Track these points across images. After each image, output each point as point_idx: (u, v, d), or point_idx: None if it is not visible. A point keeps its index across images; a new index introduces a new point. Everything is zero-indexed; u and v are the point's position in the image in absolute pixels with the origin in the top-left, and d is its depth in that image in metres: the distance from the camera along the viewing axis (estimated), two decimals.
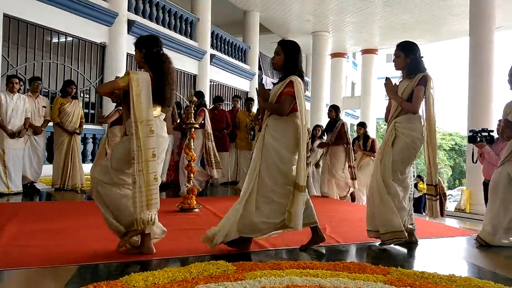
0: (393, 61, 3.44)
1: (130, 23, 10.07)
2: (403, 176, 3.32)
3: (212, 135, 6.25)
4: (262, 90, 3.17)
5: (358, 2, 14.67)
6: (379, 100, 21.21)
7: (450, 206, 13.07)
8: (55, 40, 8.94)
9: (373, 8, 15.18)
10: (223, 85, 14.84)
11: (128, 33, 9.97)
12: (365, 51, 20.53)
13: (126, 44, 9.76)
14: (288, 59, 3.08)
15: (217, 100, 7.52)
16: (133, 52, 2.97)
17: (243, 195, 2.98)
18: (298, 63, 3.11)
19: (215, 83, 14.38)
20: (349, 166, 6.88)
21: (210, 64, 13.42)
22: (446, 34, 17.03)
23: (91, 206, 3.83)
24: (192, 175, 4.85)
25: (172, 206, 4.84)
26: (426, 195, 3.46)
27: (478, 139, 5.10)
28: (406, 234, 3.24)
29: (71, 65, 9.17)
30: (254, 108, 8.52)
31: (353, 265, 2.59)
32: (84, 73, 9.42)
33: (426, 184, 3.44)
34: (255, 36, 15.90)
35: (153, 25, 10.99)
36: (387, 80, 3.43)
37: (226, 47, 14.99)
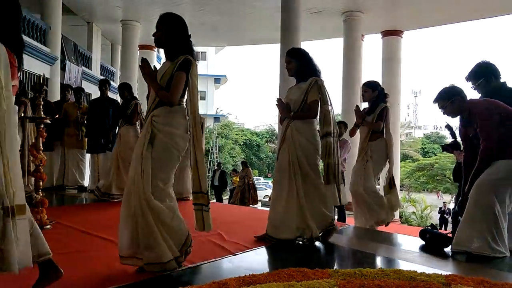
0: (153, 35, 2.84)
1: None
2: (166, 185, 2.64)
3: None
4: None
5: None
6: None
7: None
8: None
9: (183, 4, 15.21)
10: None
11: None
12: None
13: None
14: None
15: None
16: None
17: None
18: None
19: None
20: None
21: None
22: (259, 40, 18.47)
23: None
24: (41, 182, 3.88)
25: None
26: (194, 205, 2.70)
27: None
28: (176, 265, 2.59)
29: None
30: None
31: (294, 272, 2.55)
32: None
33: (193, 192, 2.72)
34: (56, 16, 13.80)
35: None
36: (144, 61, 2.73)
37: (21, 23, 12.56)
